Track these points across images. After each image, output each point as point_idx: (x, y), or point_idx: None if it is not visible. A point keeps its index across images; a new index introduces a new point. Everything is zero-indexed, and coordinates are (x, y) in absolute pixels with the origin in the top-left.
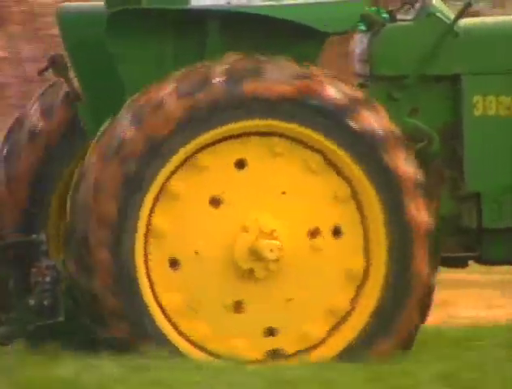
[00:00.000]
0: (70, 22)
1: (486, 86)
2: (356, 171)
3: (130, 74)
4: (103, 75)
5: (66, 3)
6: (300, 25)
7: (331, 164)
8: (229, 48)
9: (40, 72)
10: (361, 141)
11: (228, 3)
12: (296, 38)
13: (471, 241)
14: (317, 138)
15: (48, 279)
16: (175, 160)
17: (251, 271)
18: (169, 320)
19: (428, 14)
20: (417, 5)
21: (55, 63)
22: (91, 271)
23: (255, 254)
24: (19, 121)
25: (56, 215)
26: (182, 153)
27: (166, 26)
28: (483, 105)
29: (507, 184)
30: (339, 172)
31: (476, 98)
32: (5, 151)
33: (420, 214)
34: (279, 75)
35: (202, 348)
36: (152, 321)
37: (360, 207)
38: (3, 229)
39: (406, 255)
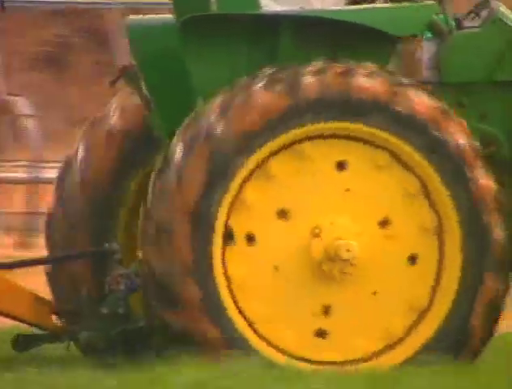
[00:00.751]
0: (138, 34)
1: None
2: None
3: (204, 79)
4: (172, 85)
5: (134, 16)
6: (371, 29)
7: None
8: (302, 52)
9: (113, 82)
10: (446, 153)
11: (301, 8)
12: (367, 42)
13: None
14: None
15: (122, 287)
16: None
17: (332, 274)
18: (257, 332)
19: (494, 20)
20: (483, 12)
21: (126, 73)
22: (170, 260)
23: (332, 257)
24: (95, 124)
25: (126, 225)
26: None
27: (238, 31)
28: None
29: None
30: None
31: None
32: (81, 150)
33: (497, 229)
34: (371, 80)
35: (292, 356)
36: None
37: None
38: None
39: (479, 270)
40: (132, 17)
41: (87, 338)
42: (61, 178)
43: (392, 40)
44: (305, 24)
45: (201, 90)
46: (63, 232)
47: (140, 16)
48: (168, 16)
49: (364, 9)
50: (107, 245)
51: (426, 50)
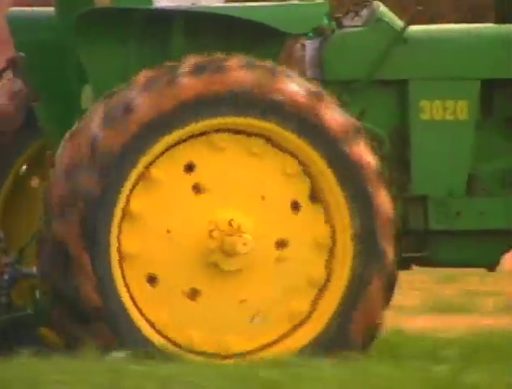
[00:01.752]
0: (20, 26)
1: (433, 91)
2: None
3: (98, 72)
4: (56, 76)
5: (15, 8)
6: (264, 26)
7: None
8: (193, 48)
9: (0, 73)
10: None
11: (193, 5)
12: (258, 39)
13: (417, 242)
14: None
15: (6, 276)
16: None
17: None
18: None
19: (376, 20)
20: (364, 11)
21: (15, 64)
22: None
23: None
24: None
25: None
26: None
27: (131, 26)
28: (430, 110)
29: (453, 187)
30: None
31: (423, 102)
32: None
33: (385, 201)
34: (242, 72)
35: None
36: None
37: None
38: None
39: (372, 239)
40: (14, 8)
41: None
42: None
43: (282, 38)
44: (197, 20)
45: (95, 83)
46: None
47: (22, 8)
48: (50, 9)
49: (257, 6)
50: None
51: (308, 49)
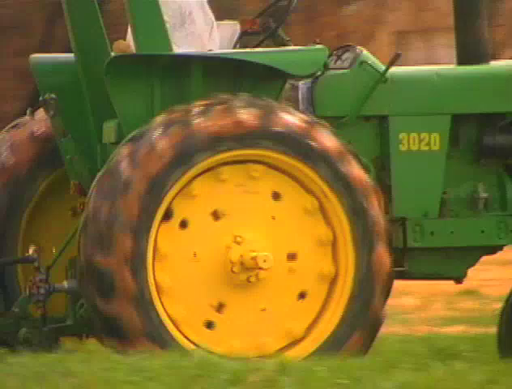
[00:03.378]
0: (43, 70)
1: (410, 125)
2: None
3: (125, 110)
4: (78, 115)
5: (38, 54)
6: (273, 68)
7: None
8: (209, 88)
9: (32, 112)
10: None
11: (209, 51)
12: (265, 80)
13: (398, 258)
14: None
15: (42, 291)
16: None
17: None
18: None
19: (360, 62)
20: (346, 55)
21: (45, 105)
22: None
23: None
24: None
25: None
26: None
27: (154, 70)
28: (407, 141)
29: (427, 210)
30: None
31: (402, 135)
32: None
33: (379, 213)
34: (247, 111)
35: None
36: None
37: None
38: None
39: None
40: (37, 55)
41: (24, 334)
42: None
43: (284, 79)
44: (212, 64)
45: (123, 120)
46: None
47: (45, 55)
48: (70, 55)
49: (264, 51)
50: (28, 254)
51: (301, 88)
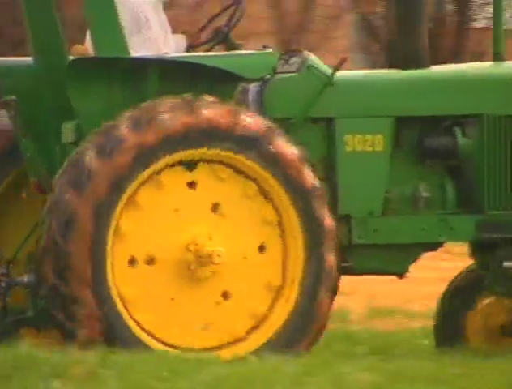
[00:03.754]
0: (3, 73)
1: (355, 127)
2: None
3: (85, 111)
4: (37, 115)
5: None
6: (226, 72)
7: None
8: (165, 90)
9: None
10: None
11: (165, 54)
12: (218, 83)
13: (344, 254)
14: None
15: (3, 284)
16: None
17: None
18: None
19: (308, 66)
20: (293, 59)
21: (7, 106)
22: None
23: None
24: None
25: None
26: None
27: (113, 72)
28: (352, 142)
29: (371, 208)
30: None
31: (347, 137)
32: None
33: (327, 216)
34: (212, 110)
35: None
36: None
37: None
38: None
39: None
40: None
41: None
42: None
43: (237, 82)
44: (169, 68)
45: (83, 120)
46: None
47: (3, 58)
48: (28, 58)
49: (218, 55)
50: None
51: (251, 91)
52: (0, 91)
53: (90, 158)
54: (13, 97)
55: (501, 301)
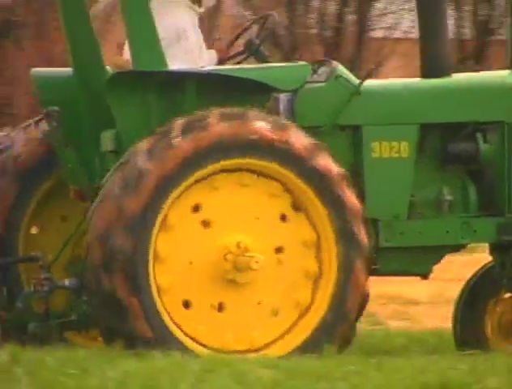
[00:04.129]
0: (44, 84)
1: (381, 134)
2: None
3: (124, 121)
4: (77, 125)
5: (38, 69)
6: (261, 83)
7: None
8: (203, 102)
9: (37, 122)
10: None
11: (201, 67)
12: (252, 94)
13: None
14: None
15: (46, 288)
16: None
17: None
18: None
19: (336, 76)
20: (322, 69)
21: (49, 116)
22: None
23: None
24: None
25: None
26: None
27: (150, 85)
28: (379, 149)
29: (397, 212)
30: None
31: (374, 143)
32: None
33: (352, 197)
34: (261, 123)
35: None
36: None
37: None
38: None
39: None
40: (37, 69)
41: (34, 328)
42: None
43: (274, 92)
44: (205, 80)
45: (122, 130)
46: None
47: (45, 69)
48: (68, 69)
49: (256, 68)
50: (33, 253)
51: (282, 100)
52: (41, 102)
53: (141, 159)
54: (55, 108)
55: None
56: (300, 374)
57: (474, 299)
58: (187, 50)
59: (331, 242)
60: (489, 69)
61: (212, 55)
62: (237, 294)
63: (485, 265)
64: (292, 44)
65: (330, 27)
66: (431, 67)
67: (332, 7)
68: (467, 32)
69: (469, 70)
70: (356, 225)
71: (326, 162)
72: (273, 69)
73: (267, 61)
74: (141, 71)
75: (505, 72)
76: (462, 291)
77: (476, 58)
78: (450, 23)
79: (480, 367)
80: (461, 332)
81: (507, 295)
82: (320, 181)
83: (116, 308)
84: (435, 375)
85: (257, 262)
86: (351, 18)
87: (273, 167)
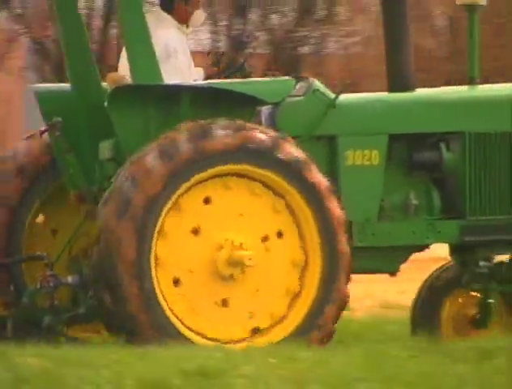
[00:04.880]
0: (46, 98)
1: (354, 143)
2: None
3: (124, 131)
4: (77, 135)
5: (41, 85)
6: (249, 96)
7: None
8: (196, 115)
9: (42, 133)
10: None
11: (195, 81)
12: (241, 106)
13: None
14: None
15: (51, 284)
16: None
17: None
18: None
19: (313, 91)
20: (300, 83)
21: (53, 127)
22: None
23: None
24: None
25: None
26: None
27: (149, 97)
28: (352, 158)
29: (368, 215)
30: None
31: (348, 152)
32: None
33: (337, 208)
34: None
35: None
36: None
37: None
38: None
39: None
40: (40, 85)
41: (48, 321)
42: None
43: (256, 105)
44: (199, 93)
45: (123, 139)
46: None
47: (47, 85)
48: (67, 85)
49: (241, 81)
50: (38, 253)
51: (264, 113)
52: (44, 115)
53: (152, 158)
54: (58, 119)
55: (473, 297)
56: (69, 362)
57: (431, 296)
58: (177, 68)
59: (316, 239)
60: None
61: (200, 72)
62: (236, 287)
63: (443, 265)
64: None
65: None
66: (397, 83)
67: None
68: (222, 44)
69: None
70: (338, 230)
71: (313, 171)
72: (259, 83)
73: (249, 77)
74: (140, 85)
75: (465, 87)
76: (421, 288)
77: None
78: (207, 36)
79: (237, 356)
80: (417, 324)
81: (462, 293)
82: (307, 188)
83: (120, 299)
84: (193, 363)
85: (250, 259)
86: None
87: (266, 174)
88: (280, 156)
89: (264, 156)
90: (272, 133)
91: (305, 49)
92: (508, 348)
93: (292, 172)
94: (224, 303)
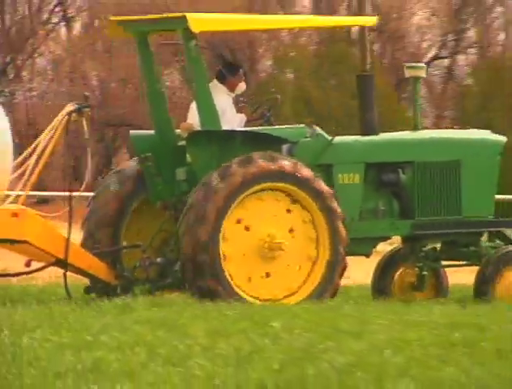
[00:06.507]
0: (139, 141)
1: (344, 169)
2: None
3: (197, 163)
4: (163, 165)
5: (136, 131)
6: (278, 137)
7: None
8: (244, 151)
9: (141, 162)
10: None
11: (243, 126)
12: (272, 143)
13: None
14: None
15: (147, 263)
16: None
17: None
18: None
19: (317, 134)
20: (308, 129)
21: (146, 160)
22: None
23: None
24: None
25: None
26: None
27: (213, 139)
28: (342, 178)
29: (353, 216)
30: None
31: (339, 175)
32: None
33: (338, 209)
34: (269, 162)
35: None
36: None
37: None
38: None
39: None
40: (134, 131)
41: (147, 288)
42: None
43: (282, 143)
44: (246, 136)
45: (198, 169)
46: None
47: (141, 131)
48: (151, 131)
49: (273, 128)
50: (138, 243)
51: (284, 149)
52: (136, 152)
53: (214, 179)
54: (149, 154)
55: (414, 269)
56: None
57: (386, 268)
58: (228, 120)
59: (323, 225)
60: None
61: (243, 119)
62: (274, 264)
63: (394, 248)
64: None
65: None
66: (368, 130)
67: None
68: None
69: None
70: (338, 220)
71: (321, 184)
72: (285, 129)
73: (273, 125)
74: (207, 131)
75: (411, 132)
76: (379, 263)
77: None
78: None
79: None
80: (377, 288)
81: (407, 267)
82: (317, 194)
83: (199, 272)
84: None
85: (283, 245)
86: None
87: (291, 188)
88: (299, 175)
89: (288, 176)
90: (293, 160)
91: None
92: None
93: (307, 184)
94: (267, 275)
